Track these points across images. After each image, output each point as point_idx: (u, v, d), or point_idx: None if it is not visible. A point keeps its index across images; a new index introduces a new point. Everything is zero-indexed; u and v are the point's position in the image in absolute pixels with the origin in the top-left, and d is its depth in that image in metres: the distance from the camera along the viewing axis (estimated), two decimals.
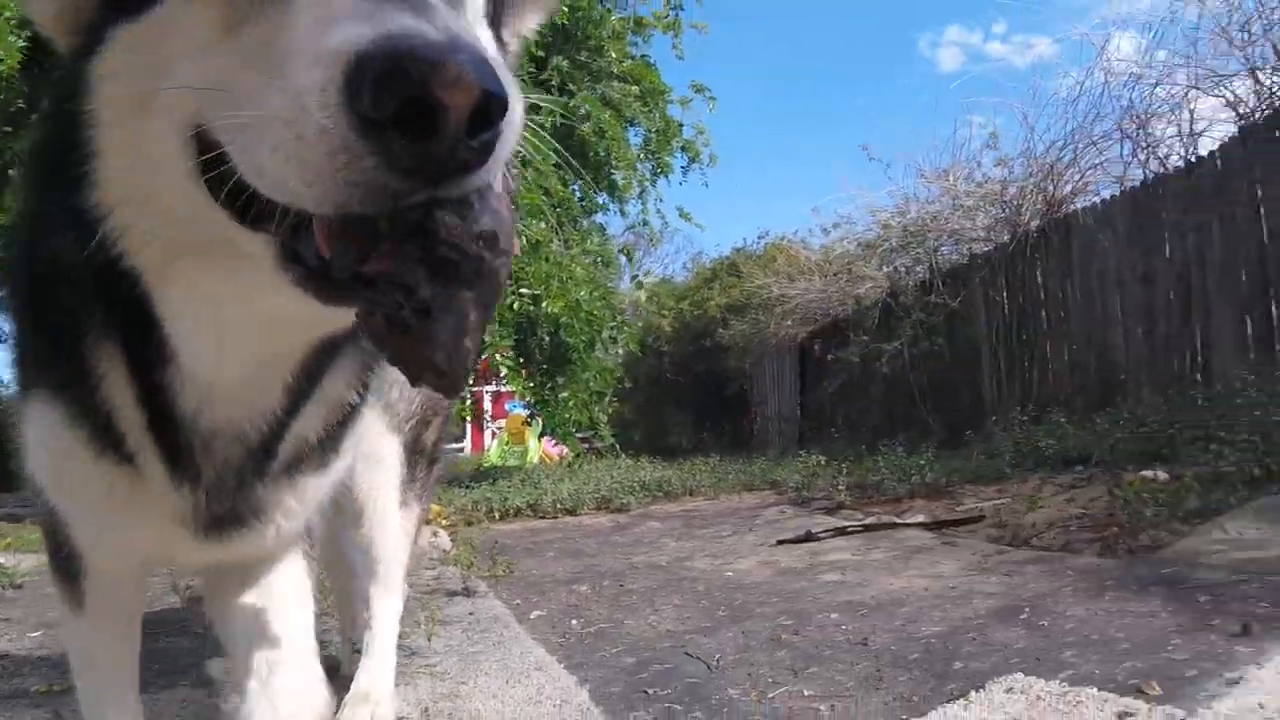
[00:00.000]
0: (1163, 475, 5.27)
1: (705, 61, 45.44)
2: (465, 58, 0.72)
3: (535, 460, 15.62)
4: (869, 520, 6.35)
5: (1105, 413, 7.56)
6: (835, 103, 61.55)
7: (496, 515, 8.94)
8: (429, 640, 3.61)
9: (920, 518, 6.24)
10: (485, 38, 1.13)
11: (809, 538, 5.93)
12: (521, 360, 9.68)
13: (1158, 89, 8.38)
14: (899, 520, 6.22)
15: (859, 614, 3.80)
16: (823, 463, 8.80)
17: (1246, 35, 7.23)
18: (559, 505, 9.45)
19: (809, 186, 53.68)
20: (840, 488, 7.77)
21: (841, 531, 6.08)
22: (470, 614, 4.27)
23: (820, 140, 61.92)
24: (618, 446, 10.34)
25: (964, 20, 59.78)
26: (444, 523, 8.09)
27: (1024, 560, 4.57)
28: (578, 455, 11.69)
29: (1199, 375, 7.74)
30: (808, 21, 66.54)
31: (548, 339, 9.21)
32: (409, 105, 0.71)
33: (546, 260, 8.66)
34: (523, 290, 8.38)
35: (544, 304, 8.45)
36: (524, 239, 8.47)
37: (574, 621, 4.25)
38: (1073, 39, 8.99)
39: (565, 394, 9.78)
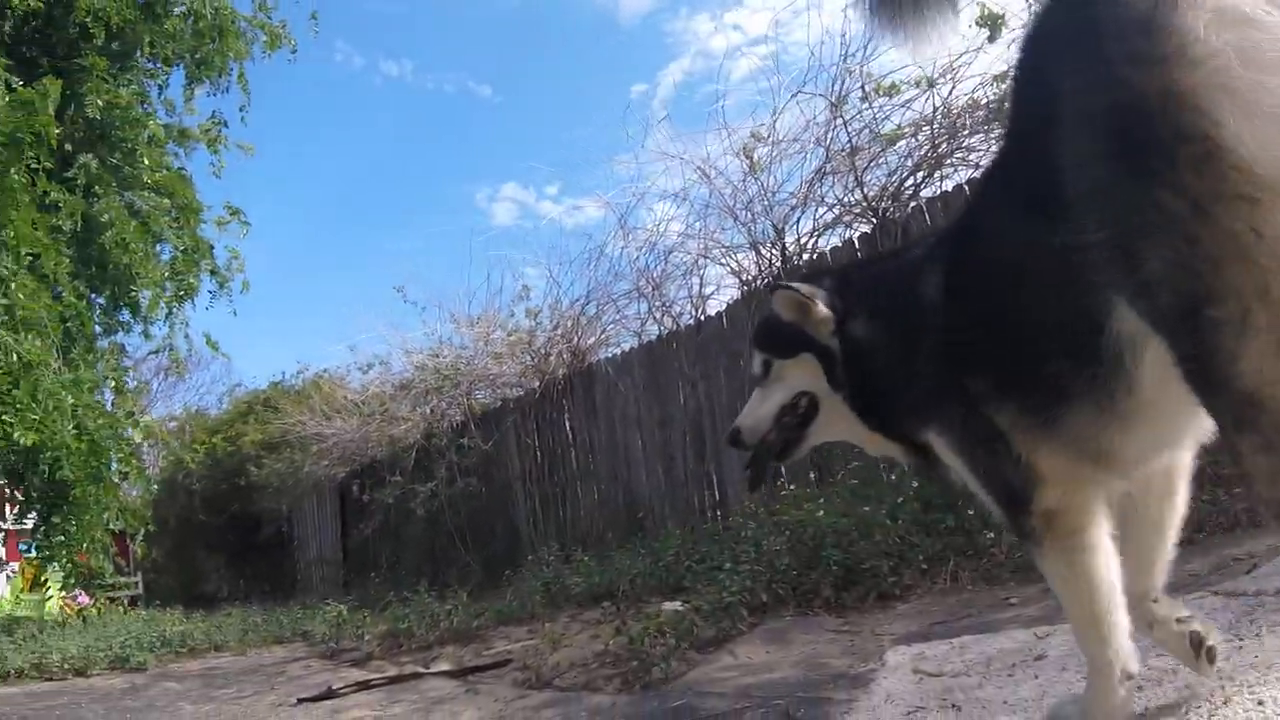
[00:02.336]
0: (680, 606, 5.47)
1: (253, 182, 43.92)
2: None
3: (55, 610, 13.42)
4: (393, 672, 6.13)
5: (628, 548, 7.85)
6: (381, 243, 62.23)
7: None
8: None
9: (446, 665, 6.10)
10: None
11: (329, 695, 5.60)
12: (19, 497, 8.41)
13: (672, 255, 9.16)
14: (424, 670, 6.04)
15: None
16: (346, 613, 8.47)
17: (750, 214, 8.13)
18: (68, 664, 8.50)
19: (350, 323, 53.55)
20: (368, 638, 7.54)
21: (365, 685, 5.80)
22: None
23: (362, 278, 61.92)
24: (140, 595, 9.15)
25: (521, 179, 63.37)
26: None
27: (543, 703, 4.53)
28: (95, 606, 10.20)
29: (717, 510, 8.36)
30: (362, 162, 66.99)
31: (47, 471, 8.00)
32: None
33: (37, 386, 7.53)
34: (4, 418, 7.20)
35: (15, 434, 7.29)
36: (15, 356, 7.34)
37: None
38: (613, 203, 9.62)
39: (61, 537, 8.52)
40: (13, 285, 7.68)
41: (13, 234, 7.87)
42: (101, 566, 9.05)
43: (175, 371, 12.20)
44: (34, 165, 8.23)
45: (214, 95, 11.99)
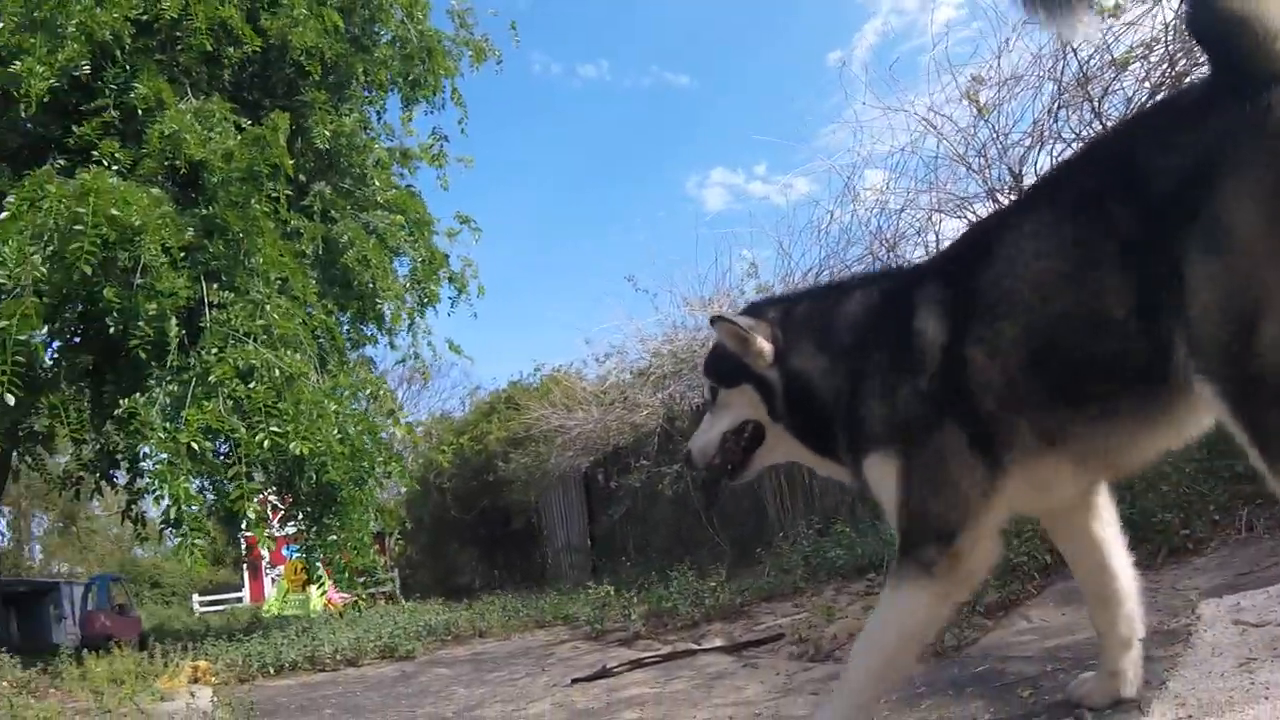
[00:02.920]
0: None
1: (472, 194, 45.96)
2: None
3: (319, 609, 14.44)
4: (666, 649, 6.04)
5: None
6: (603, 240, 63.65)
7: (271, 670, 8.36)
8: None
9: (718, 641, 5.95)
10: None
11: (604, 674, 5.57)
12: (290, 502, 8.92)
13: (904, 214, 8.69)
14: (697, 646, 5.92)
15: None
16: (614, 593, 8.47)
17: (983, 160, 7.63)
18: (339, 656, 8.91)
19: (579, 319, 54.98)
20: (634, 617, 7.50)
21: (638, 664, 5.74)
22: None
23: (588, 275, 63.45)
24: (397, 590, 9.56)
25: (728, 162, 63.41)
26: (212, 680, 7.49)
27: (829, 675, 4.29)
28: (356, 602, 10.76)
29: None
30: (574, 162, 68.96)
31: (315, 476, 8.49)
32: None
33: (300, 399, 8.00)
34: (273, 429, 7.67)
35: (290, 444, 7.75)
36: (276, 371, 7.83)
37: None
38: (826, 174, 9.30)
39: (334, 537, 9.02)
40: (268, 307, 8.22)
41: (262, 260, 8.44)
42: (371, 563, 9.48)
43: (421, 376, 12.69)
44: (274, 196, 8.76)
45: (430, 114, 12.53)
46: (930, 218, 8.43)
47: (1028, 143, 7.35)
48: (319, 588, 14.95)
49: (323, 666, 8.78)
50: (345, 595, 12.95)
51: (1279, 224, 1.69)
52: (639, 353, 13.40)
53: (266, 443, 7.60)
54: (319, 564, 9.52)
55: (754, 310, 2.87)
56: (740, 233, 24.05)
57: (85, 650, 9.00)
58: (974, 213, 7.93)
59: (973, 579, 2.37)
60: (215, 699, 6.20)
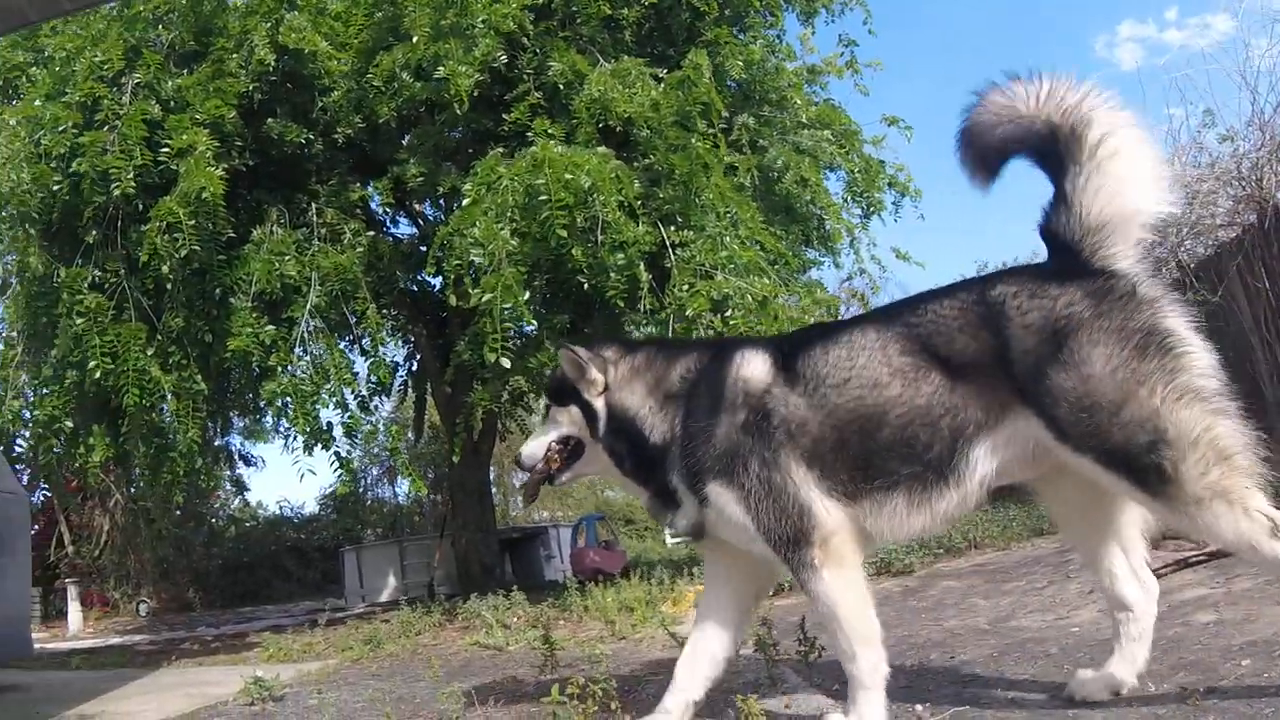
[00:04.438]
0: None
1: (866, 100, 43.84)
2: None
3: None
4: (1210, 547, 5.24)
5: None
6: None
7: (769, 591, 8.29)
8: None
9: None
10: None
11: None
12: None
13: None
14: None
15: (1273, 655, 3.16)
16: None
17: None
18: None
19: (1014, 207, 51.23)
20: None
21: (1183, 564, 5.20)
22: (787, 710, 3.48)
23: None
24: None
25: (1135, 13, 56.69)
26: None
27: None
28: None
29: None
30: (978, 39, 64.65)
31: None
32: None
33: (777, 317, 7.93)
34: None
35: None
36: (749, 297, 7.80)
37: (918, 707, 3.39)
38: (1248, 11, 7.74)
39: None
40: (727, 238, 8.21)
41: (711, 196, 8.44)
42: None
43: (871, 289, 12.23)
44: (710, 133, 8.74)
45: (830, 23, 12.01)
46: None
47: None
48: None
49: None
50: None
51: (1113, 359, 2.56)
52: None
53: None
54: None
55: (596, 347, 3.38)
56: (1189, 79, 21.00)
57: (579, 583, 9.52)
58: None
59: (857, 550, 2.89)
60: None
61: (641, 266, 8.05)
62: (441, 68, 8.62)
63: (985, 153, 3.00)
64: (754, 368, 3.01)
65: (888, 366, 2.81)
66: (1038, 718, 2.97)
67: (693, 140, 8.47)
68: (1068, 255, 2.75)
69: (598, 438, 3.28)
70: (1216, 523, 2.45)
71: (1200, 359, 2.56)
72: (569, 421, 3.34)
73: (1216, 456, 2.45)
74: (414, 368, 12.60)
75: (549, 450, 3.38)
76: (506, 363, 7.61)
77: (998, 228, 55.24)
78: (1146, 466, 2.49)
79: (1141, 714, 2.74)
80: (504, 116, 9.05)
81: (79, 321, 8.47)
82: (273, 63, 9.17)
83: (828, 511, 2.79)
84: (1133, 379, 2.53)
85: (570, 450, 3.38)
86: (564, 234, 7.60)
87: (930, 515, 2.81)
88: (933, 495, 2.78)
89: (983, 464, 2.72)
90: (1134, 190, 2.69)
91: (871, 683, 2.73)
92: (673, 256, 8.25)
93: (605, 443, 3.26)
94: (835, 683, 3.92)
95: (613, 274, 7.89)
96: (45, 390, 9.27)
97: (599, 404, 3.25)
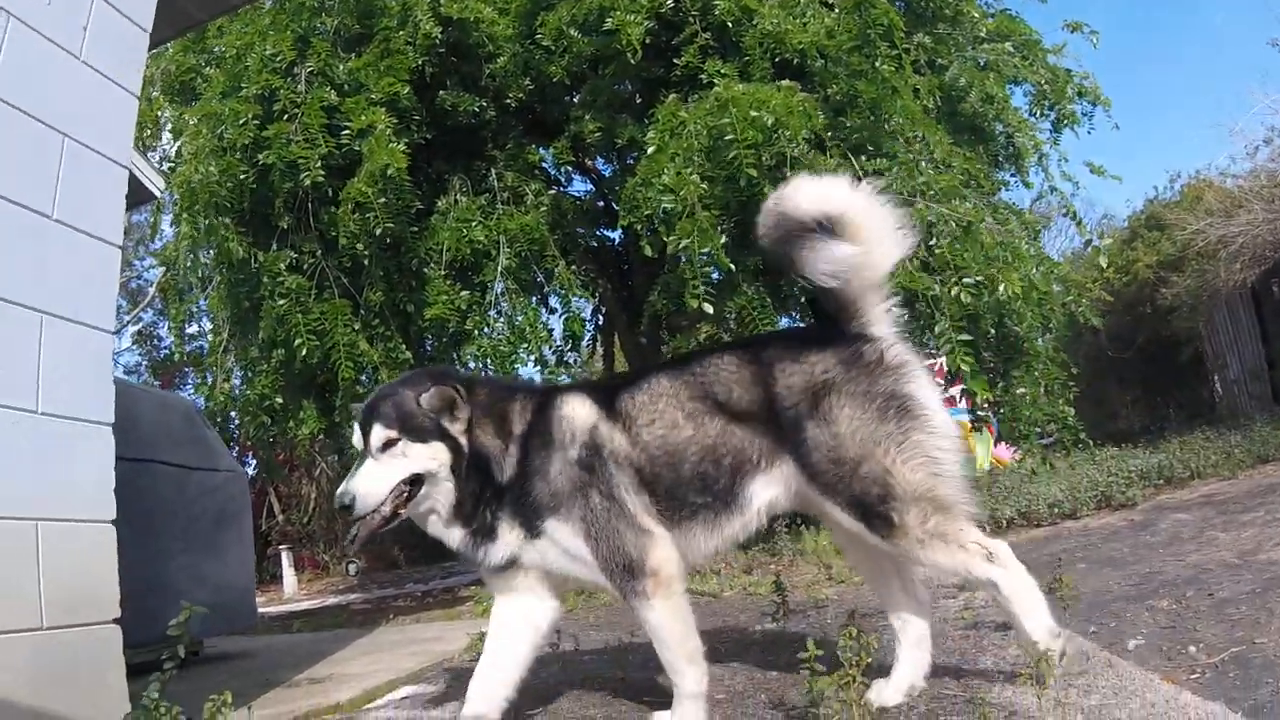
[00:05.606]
0: None
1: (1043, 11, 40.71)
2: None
3: (985, 467, 14.15)
4: None
5: None
6: (1196, 23, 54.72)
7: (986, 529, 8.05)
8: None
9: None
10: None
11: None
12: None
13: None
14: None
15: None
16: None
17: None
18: (1054, 509, 8.66)
19: (1202, 113, 47.78)
20: None
21: None
22: None
23: (1201, 62, 54.87)
24: (1081, 437, 8.76)
25: None
26: None
27: None
28: (1045, 459, 10.01)
29: None
30: None
31: (993, 331, 8.08)
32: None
33: (983, 244, 7.62)
34: (965, 280, 7.37)
35: (1000, 288, 7.39)
36: (952, 224, 7.51)
37: (1191, 648, 3.33)
38: None
39: (1022, 390, 8.54)
40: (923, 163, 7.93)
41: (900, 119, 8.15)
42: (1064, 414, 8.77)
43: (1065, 214, 11.63)
44: (891, 55, 8.41)
45: None
46: None
47: None
48: (984, 447, 14.57)
49: (1038, 522, 8.52)
50: (1014, 452, 12.49)
51: (854, 420, 2.95)
52: None
53: (965, 296, 7.32)
54: (1004, 421, 9.03)
55: (444, 379, 3.29)
56: None
57: (786, 526, 9.42)
58: None
59: (682, 578, 3.11)
60: None
61: None
62: (609, 19, 8.57)
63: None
64: (578, 408, 3.25)
65: (682, 411, 3.17)
66: None
67: (876, 64, 8.18)
68: (828, 322, 3.17)
69: (459, 475, 3.20)
70: (935, 557, 2.92)
71: (935, 420, 2.96)
72: (427, 458, 3.16)
73: (935, 508, 2.90)
74: (599, 322, 12.73)
75: (396, 490, 3.15)
76: (709, 308, 7.56)
77: (1177, 135, 52.03)
78: (878, 515, 2.91)
79: None
80: (674, 62, 8.91)
81: (281, 303, 8.79)
82: (438, 35, 9.25)
83: (657, 542, 3.06)
84: (870, 440, 2.93)
85: (411, 490, 3.19)
86: (753, 173, 7.46)
87: (721, 538, 3.19)
88: (722, 521, 3.15)
89: (758, 496, 3.12)
90: (876, 260, 3.07)
91: (696, 693, 3.03)
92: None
93: (459, 482, 3.20)
94: (1089, 623, 3.76)
95: None
96: (253, 371, 9.74)
97: (464, 442, 3.21)
